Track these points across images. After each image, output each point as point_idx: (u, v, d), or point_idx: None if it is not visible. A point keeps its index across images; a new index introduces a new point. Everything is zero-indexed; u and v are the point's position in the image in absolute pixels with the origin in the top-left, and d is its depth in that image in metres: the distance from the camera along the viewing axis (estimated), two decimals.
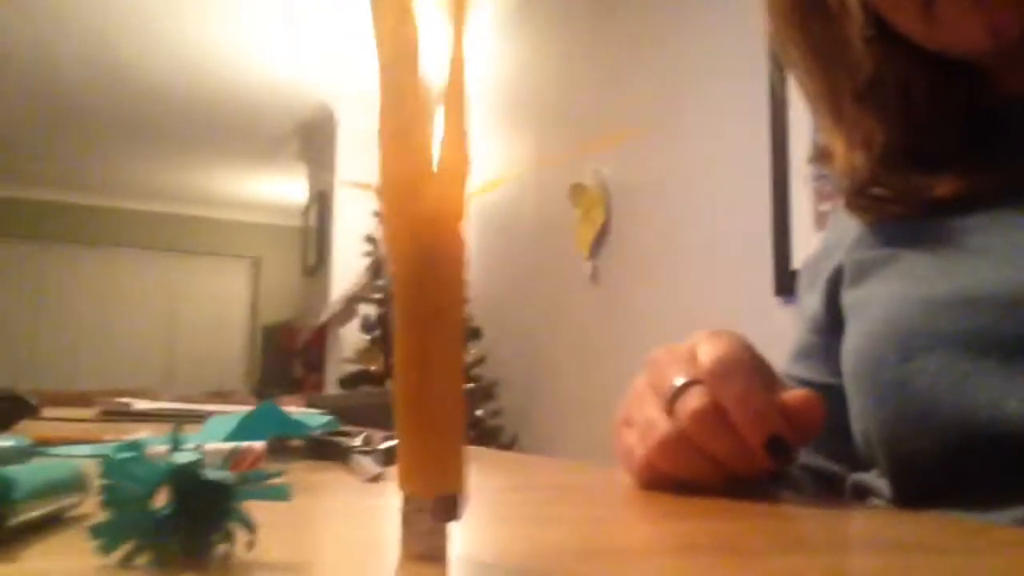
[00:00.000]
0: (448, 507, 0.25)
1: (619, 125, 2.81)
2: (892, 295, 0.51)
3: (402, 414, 0.24)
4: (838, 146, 0.56)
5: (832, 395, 0.58)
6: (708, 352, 0.42)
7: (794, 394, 0.42)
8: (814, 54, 0.57)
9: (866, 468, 0.54)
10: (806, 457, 0.59)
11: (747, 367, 0.42)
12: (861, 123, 0.55)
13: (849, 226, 0.58)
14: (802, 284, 0.65)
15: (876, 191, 0.54)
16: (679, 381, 0.43)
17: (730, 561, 0.27)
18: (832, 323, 0.58)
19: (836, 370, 0.57)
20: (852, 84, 0.55)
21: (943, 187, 0.51)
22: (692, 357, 0.44)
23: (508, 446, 3.21)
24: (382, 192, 0.24)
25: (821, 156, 0.58)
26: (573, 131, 3.14)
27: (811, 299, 0.61)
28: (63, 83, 4.83)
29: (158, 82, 4.78)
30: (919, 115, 0.54)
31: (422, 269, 0.24)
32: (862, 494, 0.54)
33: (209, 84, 4.81)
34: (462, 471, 0.25)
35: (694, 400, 0.41)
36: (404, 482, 0.25)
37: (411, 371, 0.24)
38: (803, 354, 0.62)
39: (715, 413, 0.41)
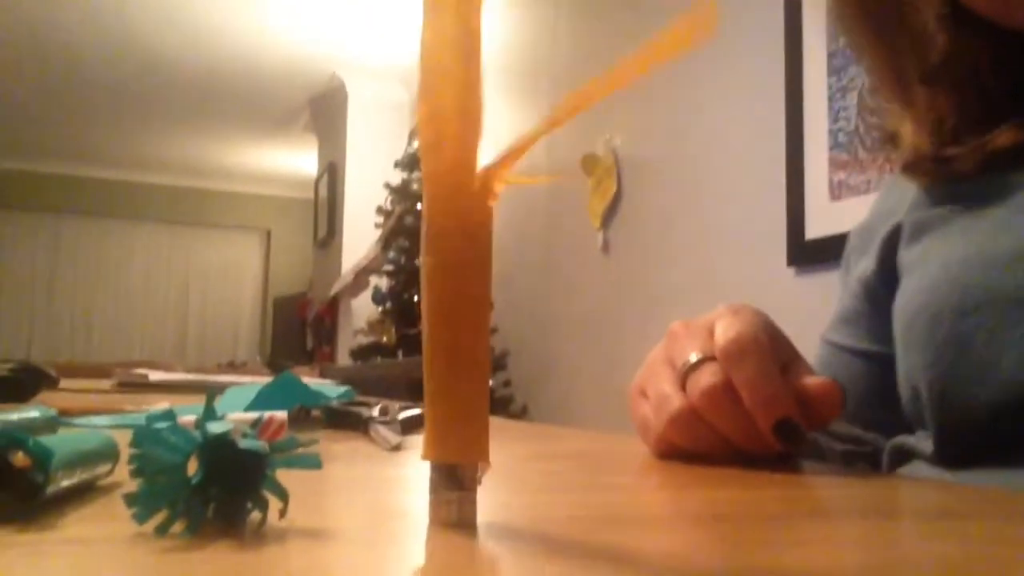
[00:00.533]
0: (472, 474, 0.25)
1: (632, 97, 2.79)
2: (951, 251, 0.51)
3: (431, 383, 0.25)
4: (906, 129, 0.57)
5: (872, 361, 0.59)
6: (724, 330, 0.42)
7: (813, 380, 0.43)
8: (883, 42, 0.57)
9: (908, 431, 0.54)
10: (838, 425, 0.59)
11: (763, 347, 0.42)
12: (932, 105, 0.55)
13: (907, 189, 0.58)
14: (851, 251, 0.65)
15: (936, 154, 0.54)
16: (693, 357, 0.43)
17: (754, 529, 0.27)
18: (885, 284, 0.58)
19: (879, 336, 0.58)
20: (921, 67, 0.55)
21: (1002, 138, 0.51)
22: (709, 333, 0.44)
23: (518, 416, 3.24)
24: (422, 164, 0.24)
25: (889, 139, 0.58)
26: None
27: (863, 263, 0.61)
28: (76, 57, 4.83)
29: (171, 56, 4.77)
30: (987, 89, 0.54)
31: (454, 241, 0.24)
32: (903, 458, 0.54)
33: (221, 57, 4.80)
34: (487, 439, 0.25)
35: (706, 378, 0.42)
36: (431, 450, 0.25)
37: (439, 342, 0.24)
38: (844, 320, 0.63)
39: (726, 392, 0.41)
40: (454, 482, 0.25)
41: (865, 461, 0.59)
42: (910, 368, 0.51)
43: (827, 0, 0.60)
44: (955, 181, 0.53)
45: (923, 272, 0.52)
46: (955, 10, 0.53)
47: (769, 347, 0.42)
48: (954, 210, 0.53)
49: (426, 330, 0.25)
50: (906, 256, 0.56)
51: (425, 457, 0.25)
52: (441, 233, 0.25)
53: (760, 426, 0.41)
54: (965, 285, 0.48)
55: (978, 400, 0.46)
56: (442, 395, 0.25)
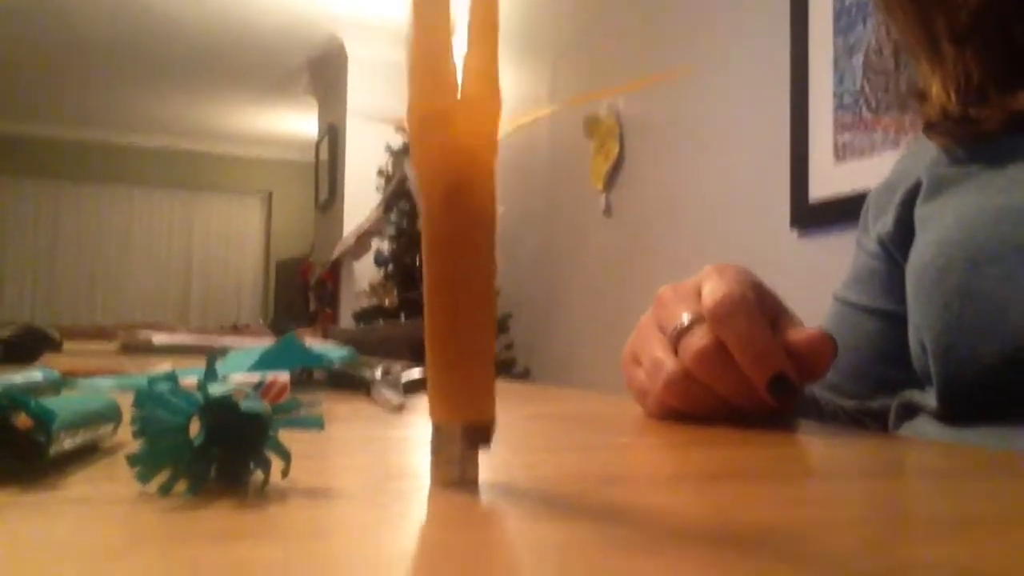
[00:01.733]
0: (477, 435, 0.25)
1: (636, 58, 2.76)
2: (967, 205, 0.51)
3: (433, 343, 0.25)
4: (935, 87, 0.57)
5: (885, 319, 0.59)
6: (712, 291, 0.42)
7: (802, 333, 0.43)
8: (914, 0, 0.57)
9: (919, 389, 0.55)
10: (845, 382, 0.60)
11: (751, 305, 0.42)
12: (960, 63, 0.55)
13: (928, 148, 0.58)
14: (869, 210, 0.65)
15: (961, 114, 0.54)
16: (684, 319, 0.43)
17: (753, 487, 0.27)
18: (901, 241, 0.58)
19: (893, 295, 0.58)
20: (951, 26, 0.55)
21: None
22: (697, 295, 0.44)
23: (520, 379, 3.25)
24: (411, 122, 0.24)
25: (916, 96, 0.58)
26: (589, 63, 3.08)
27: (881, 221, 0.61)
28: (73, 19, 4.77)
29: (170, 18, 4.71)
30: (1016, 48, 0.54)
31: (453, 198, 0.24)
32: (910, 413, 0.55)
33: (219, 18, 4.74)
34: (492, 399, 0.25)
35: (697, 339, 0.42)
36: (434, 410, 0.25)
37: (441, 300, 0.24)
38: (858, 279, 0.63)
39: (718, 352, 0.41)
40: (455, 442, 0.25)
41: (873, 419, 0.59)
42: (919, 321, 0.52)
43: None
44: (977, 141, 0.53)
45: (937, 225, 0.52)
46: None
47: (757, 305, 0.42)
48: (973, 168, 0.53)
49: (428, 287, 0.25)
50: (923, 211, 0.56)
51: (434, 417, 0.25)
52: (441, 188, 0.24)
53: (754, 383, 0.41)
54: (976, 237, 0.48)
55: (983, 353, 0.46)
56: (446, 353, 0.25)
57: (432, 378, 0.25)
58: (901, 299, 0.56)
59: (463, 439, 0.25)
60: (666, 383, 0.43)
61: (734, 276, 0.44)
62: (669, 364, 0.43)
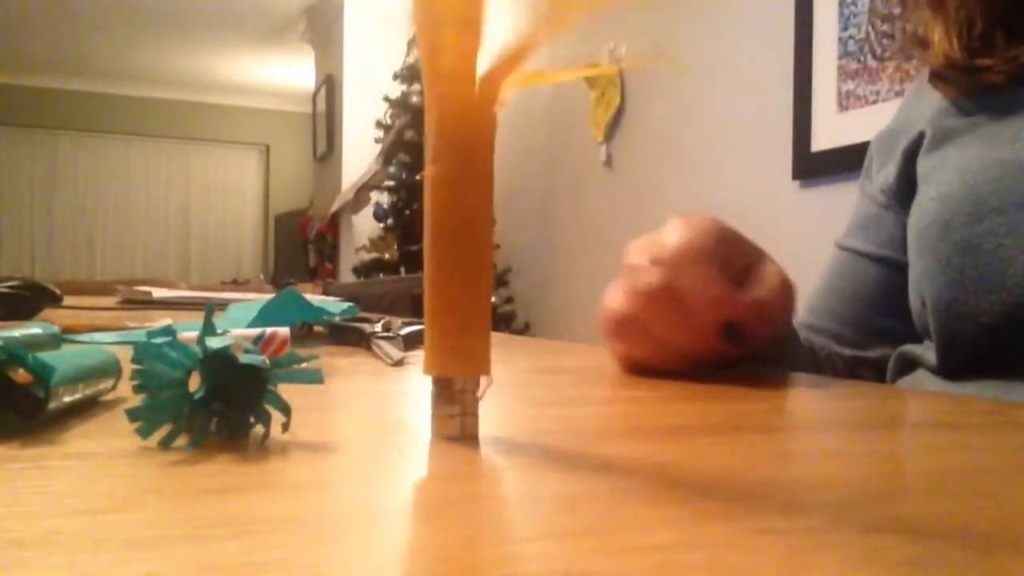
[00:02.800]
0: (475, 389, 0.25)
1: (637, 3, 2.71)
2: (970, 158, 0.50)
3: (431, 298, 0.24)
4: (936, 35, 0.55)
5: (888, 268, 0.59)
6: (673, 238, 0.42)
7: (759, 290, 0.42)
8: None
9: (918, 340, 0.55)
10: (844, 329, 0.60)
11: (706, 254, 0.42)
12: (963, 8, 0.54)
13: (932, 97, 0.57)
14: (872, 158, 0.64)
15: (966, 63, 0.53)
16: (639, 262, 0.43)
17: (754, 440, 0.27)
18: (904, 192, 0.58)
19: (896, 243, 0.58)
20: None
21: None
22: (658, 242, 0.44)
23: (520, 334, 3.26)
24: (425, 77, 0.23)
25: (918, 44, 0.57)
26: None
27: (884, 171, 0.61)
28: None
29: None
30: None
31: (458, 157, 0.24)
32: (908, 366, 0.55)
33: None
34: (487, 354, 0.25)
35: (644, 278, 0.42)
36: (433, 365, 0.25)
37: (440, 256, 0.24)
38: (863, 226, 0.63)
39: (666, 293, 0.41)
40: (454, 396, 0.25)
41: (870, 368, 0.60)
42: (920, 275, 0.51)
43: None
44: (983, 92, 0.52)
45: (940, 179, 0.52)
46: None
47: (713, 254, 0.42)
48: (978, 120, 0.52)
49: (428, 244, 0.24)
50: (925, 163, 0.55)
51: (427, 371, 0.25)
52: (443, 143, 0.24)
53: (703, 327, 0.41)
54: (979, 192, 0.47)
55: (984, 309, 0.46)
56: (444, 309, 0.24)
57: (430, 333, 0.25)
58: (903, 247, 0.56)
59: (463, 393, 0.25)
60: (614, 324, 0.43)
61: (695, 225, 0.43)
62: (616, 307, 0.43)
